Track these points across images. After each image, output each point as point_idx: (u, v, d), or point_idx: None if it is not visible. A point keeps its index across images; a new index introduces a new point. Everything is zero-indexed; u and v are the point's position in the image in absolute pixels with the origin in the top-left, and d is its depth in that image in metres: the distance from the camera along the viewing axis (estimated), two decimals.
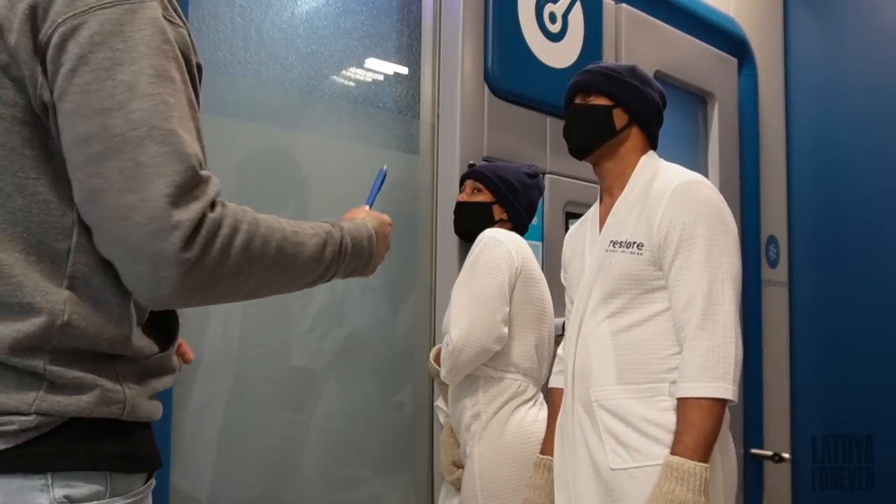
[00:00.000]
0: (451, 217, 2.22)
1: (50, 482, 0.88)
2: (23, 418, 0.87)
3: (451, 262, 2.31)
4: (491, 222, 2.11)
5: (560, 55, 2.58)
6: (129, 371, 0.95)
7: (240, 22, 2.04)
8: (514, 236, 2.05)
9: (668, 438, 1.55)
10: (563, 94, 1.82)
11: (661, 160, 1.76)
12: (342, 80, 2.33)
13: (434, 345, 2.32)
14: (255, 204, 0.99)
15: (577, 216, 1.99)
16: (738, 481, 1.71)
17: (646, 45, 2.94)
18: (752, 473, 3.38)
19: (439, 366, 2.09)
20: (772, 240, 3.71)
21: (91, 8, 0.84)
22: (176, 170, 0.84)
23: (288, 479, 2.09)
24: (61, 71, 0.84)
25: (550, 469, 1.76)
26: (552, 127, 2.56)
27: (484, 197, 2.13)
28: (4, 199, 0.88)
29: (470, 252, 2.05)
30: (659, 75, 2.92)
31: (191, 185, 0.85)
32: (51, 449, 0.89)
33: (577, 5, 2.65)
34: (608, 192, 1.77)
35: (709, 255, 1.56)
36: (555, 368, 1.92)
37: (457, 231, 2.23)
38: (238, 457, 2.00)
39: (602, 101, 1.74)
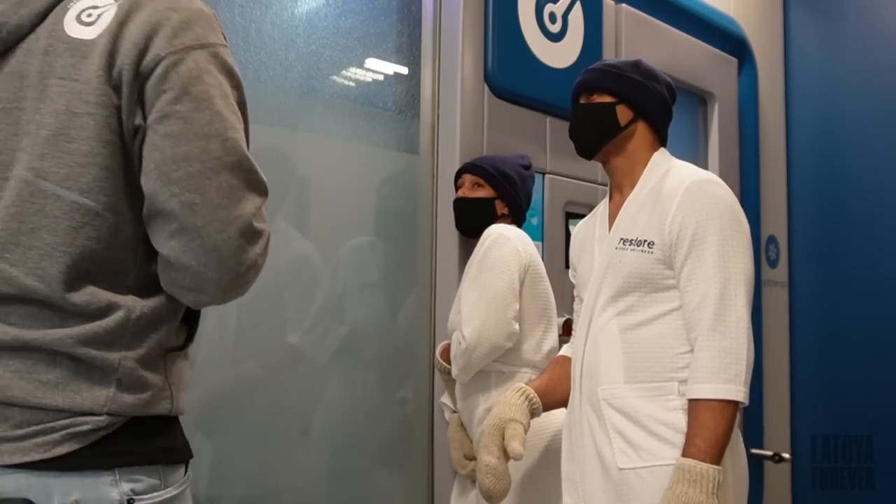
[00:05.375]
0: (451, 215, 2.21)
1: (117, 477, 0.98)
2: (95, 418, 0.97)
3: (451, 261, 2.31)
4: (494, 218, 2.10)
5: (560, 55, 2.58)
6: (173, 367, 1.06)
7: (240, 22, 2.04)
8: (520, 233, 2.05)
9: (677, 438, 1.54)
10: (565, 94, 1.81)
11: (674, 158, 1.74)
12: (342, 80, 2.33)
13: (435, 342, 2.32)
14: None
15: (577, 216, 1.99)
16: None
17: (646, 45, 2.94)
18: (752, 473, 3.37)
19: (446, 362, 2.09)
20: (772, 240, 3.71)
21: (187, 48, 0.99)
22: (259, 193, 1.03)
23: (288, 475, 2.09)
24: (163, 97, 0.97)
25: (528, 398, 1.76)
26: (552, 127, 2.56)
27: (485, 192, 2.12)
28: (100, 221, 0.98)
29: (476, 248, 2.04)
30: None
31: (262, 205, 1.04)
32: (117, 447, 0.98)
33: (577, 5, 2.65)
34: (618, 189, 1.75)
35: (722, 255, 1.54)
36: (567, 345, 1.91)
37: (458, 227, 2.22)
38: (237, 452, 2.00)
39: (605, 98, 1.72)
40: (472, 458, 2.06)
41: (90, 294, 0.97)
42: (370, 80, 2.39)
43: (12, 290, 0.97)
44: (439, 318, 2.32)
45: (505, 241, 1.99)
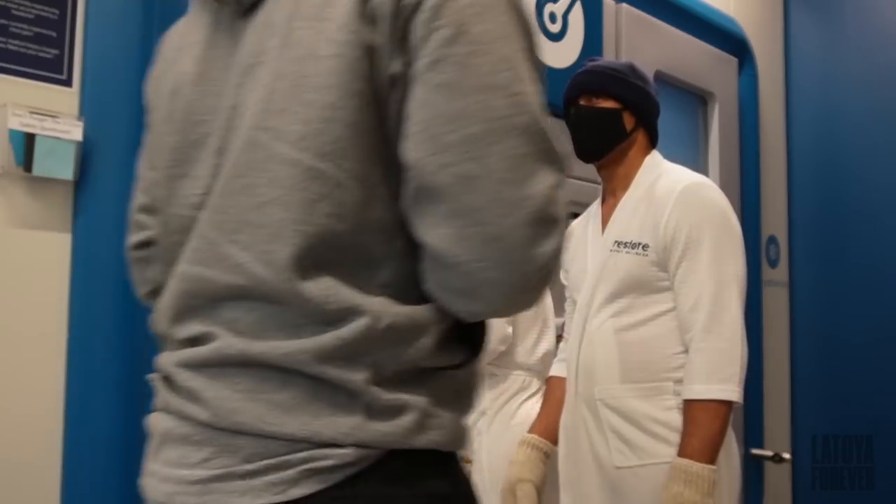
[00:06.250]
0: None
1: None
2: (340, 451, 0.73)
3: None
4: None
5: (560, 55, 2.58)
6: (444, 388, 0.80)
7: None
8: None
9: (673, 437, 1.56)
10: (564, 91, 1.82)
11: (665, 161, 1.76)
12: None
13: None
14: None
15: (578, 216, 1.99)
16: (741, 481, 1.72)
17: (646, 45, 2.94)
18: (752, 473, 3.39)
19: None
20: (772, 240, 3.71)
21: None
22: (556, 168, 0.77)
23: None
24: (435, 36, 0.73)
25: (535, 447, 1.78)
26: (552, 127, 2.55)
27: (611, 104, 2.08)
28: (343, 193, 0.75)
29: None
30: (659, 75, 2.92)
31: (560, 185, 0.77)
32: (370, 490, 0.74)
33: (577, 5, 2.65)
34: (612, 193, 1.77)
35: (715, 258, 1.57)
36: (557, 358, 1.92)
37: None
38: None
39: (610, 103, 1.73)
40: (468, 462, 2.06)
41: (327, 287, 0.74)
42: None
43: (241, 281, 0.76)
44: None
45: None
